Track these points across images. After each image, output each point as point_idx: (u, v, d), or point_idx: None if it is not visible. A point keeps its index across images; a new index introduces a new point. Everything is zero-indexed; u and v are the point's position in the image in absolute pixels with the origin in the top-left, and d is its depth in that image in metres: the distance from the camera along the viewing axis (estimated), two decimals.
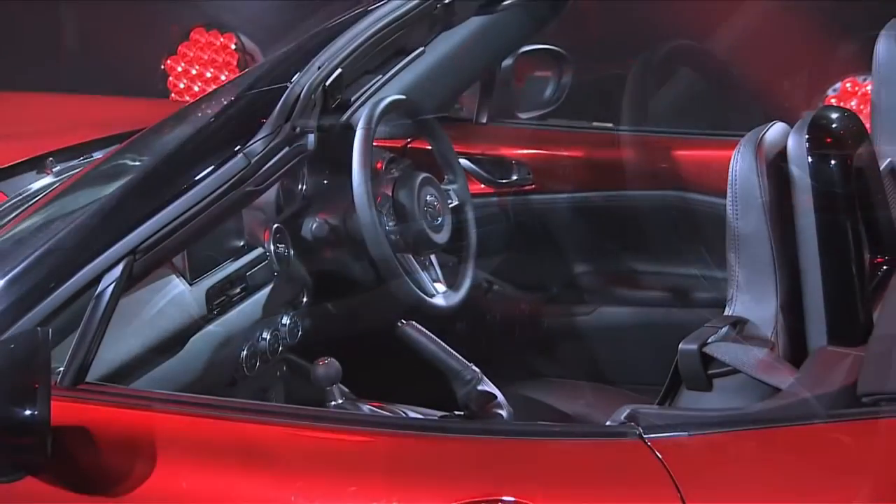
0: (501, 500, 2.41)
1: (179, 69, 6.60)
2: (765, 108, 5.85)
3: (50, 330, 2.58)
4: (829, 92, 5.78)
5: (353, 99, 3.01)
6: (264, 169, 2.84)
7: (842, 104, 5.76)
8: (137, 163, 3.12)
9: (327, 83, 2.91)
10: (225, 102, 3.04)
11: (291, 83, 2.89)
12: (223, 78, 6.52)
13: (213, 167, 2.80)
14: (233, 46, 6.54)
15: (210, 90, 6.47)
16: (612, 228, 4.11)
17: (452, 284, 3.57)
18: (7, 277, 2.79)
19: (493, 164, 4.05)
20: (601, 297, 4.11)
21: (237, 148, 2.83)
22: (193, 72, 6.56)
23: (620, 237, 4.11)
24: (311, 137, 2.89)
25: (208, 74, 6.54)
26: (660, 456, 2.41)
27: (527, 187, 4.08)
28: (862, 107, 5.78)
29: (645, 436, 2.44)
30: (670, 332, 3.95)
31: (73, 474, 2.56)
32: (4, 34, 6.84)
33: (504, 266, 4.02)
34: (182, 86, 6.57)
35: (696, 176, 4.00)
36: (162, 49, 6.71)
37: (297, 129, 2.87)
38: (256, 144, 2.83)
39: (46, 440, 2.47)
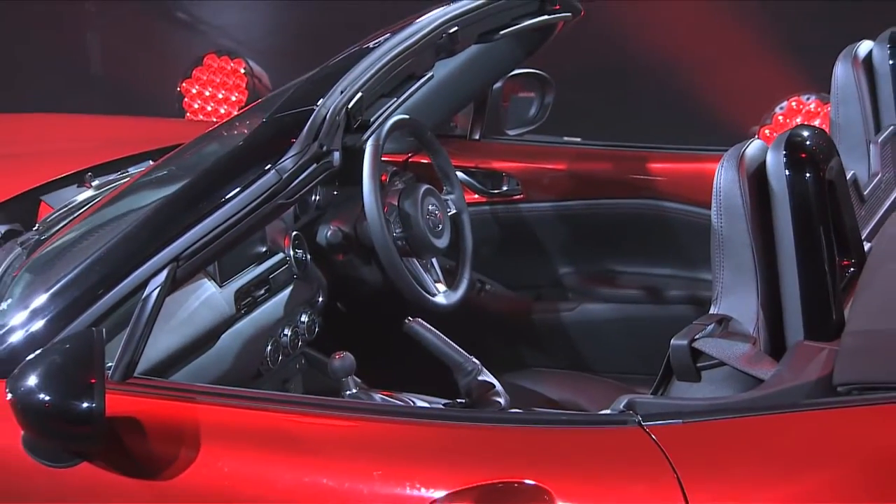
0: (524, 483, 2.39)
1: (194, 91, 6.57)
2: (722, 124, 5.84)
3: (104, 330, 2.57)
4: (777, 109, 5.77)
5: (372, 120, 2.98)
6: (294, 184, 2.80)
7: (788, 119, 5.75)
8: (177, 178, 3.06)
9: (349, 106, 2.87)
10: (256, 124, 2.99)
11: (317, 106, 2.86)
12: (233, 98, 6.50)
13: (247, 182, 2.77)
14: (242, 70, 6.51)
15: (222, 110, 6.51)
16: (592, 233, 4.09)
17: (451, 285, 3.55)
18: (61, 283, 2.77)
19: (486, 177, 4.03)
20: (583, 295, 4.09)
21: (269, 165, 2.79)
22: (207, 93, 6.54)
23: (600, 241, 4.10)
24: (337, 155, 2.86)
25: (220, 96, 6.51)
26: (658, 442, 2.39)
27: (516, 197, 4.06)
28: (806, 120, 5.77)
29: (643, 423, 2.43)
30: (646, 326, 3.98)
31: (124, 460, 2.54)
32: (40, 62, 6.78)
33: (496, 268, 3.99)
34: (196, 106, 6.54)
35: (668, 185, 3.99)
36: (178, 73, 6.65)
37: (324, 148, 2.84)
38: (287, 162, 2.80)
39: (102, 430, 2.45)
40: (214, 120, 6.36)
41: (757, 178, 2.72)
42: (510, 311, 4.01)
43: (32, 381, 2.43)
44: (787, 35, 6.02)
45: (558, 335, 4.02)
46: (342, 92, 2.90)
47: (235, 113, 6.36)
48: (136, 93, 6.91)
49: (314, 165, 2.83)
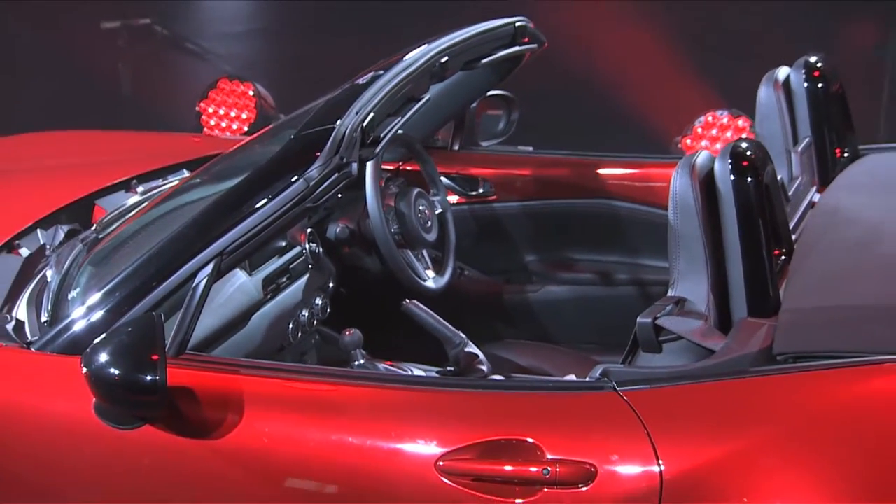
0: (519, 440, 2.38)
1: (210, 110, 6.51)
2: (652, 135, 5.84)
3: (162, 314, 2.56)
4: (696, 123, 5.77)
5: (381, 135, 2.96)
6: (319, 190, 2.79)
7: (705, 131, 5.75)
8: (217, 185, 3.05)
9: (364, 124, 2.87)
10: (285, 139, 2.98)
11: (337, 125, 2.85)
12: (244, 117, 6.45)
13: (280, 189, 2.76)
14: (251, 93, 6.46)
15: (234, 126, 6.46)
16: (553, 227, 4.08)
17: (439, 271, 3.56)
18: (123, 274, 2.74)
19: (465, 181, 4.02)
20: (546, 279, 4.07)
21: (298, 175, 2.78)
22: (221, 112, 6.48)
23: (560, 234, 4.08)
24: (355, 166, 2.86)
25: (232, 114, 6.46)
26: (630, 403, 2.39)
27: (490, 198, 4.05)
28: (719, 133, 5.77)
29: (618, 388, 2.43)
30: (598, 304, 3.98)
31: (180, 423, 2.52)
32: (79, 87, 6.72)
33: (474, 257, 3.97)
34: (213, 123, 6.49)
35: (617, 188, 3.99)
36: (195, 95, 6.61)
37: (344, 160, 2.83)
38: (313, 172, 2.79)
39: (164, 399, 2.44)
40: (228, 135, 6.34)
41: (706, 183, 2.72)
42: (486, 292, 4.00)
43: (104, 357, 2.41)
44: (702, 62, 6.03)
45: (526, 312, 4.01)
46: (357, 112, 2.88)
47: (246, 129, 6.40)
48: (159, 112, 6.86)
49: (336, 175, 2.83)
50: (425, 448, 2.43)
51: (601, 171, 3.96)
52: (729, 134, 5.71)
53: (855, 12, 6.31)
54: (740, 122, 5.70)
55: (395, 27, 5.66)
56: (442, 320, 2.98)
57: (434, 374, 2.96)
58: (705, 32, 6.29)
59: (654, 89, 6.30)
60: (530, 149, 4.24)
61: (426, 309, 3.00)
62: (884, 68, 6.72)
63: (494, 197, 4.03)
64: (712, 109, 5.81)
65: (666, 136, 5.91)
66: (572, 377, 2.98)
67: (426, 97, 3.15)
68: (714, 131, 5.74)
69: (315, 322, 3.38)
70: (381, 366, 2.96)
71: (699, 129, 5.77)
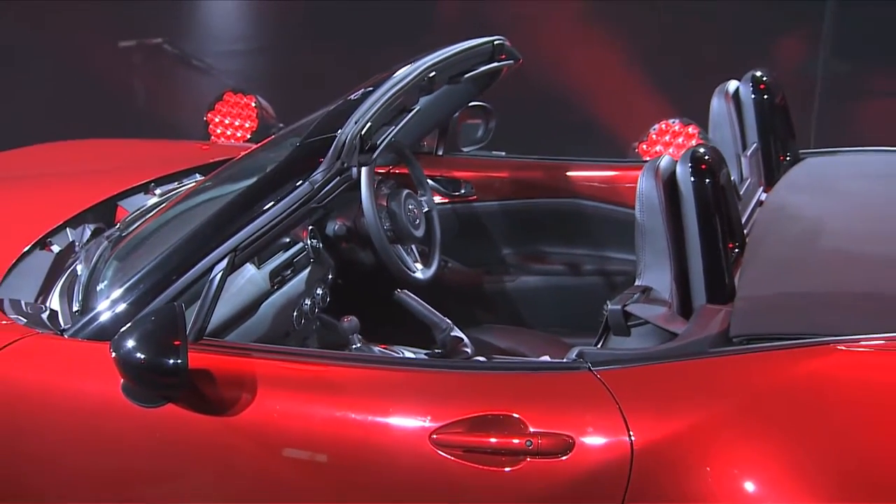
0: (504, 415, 2.37)
1: (217, 120, 6.48)
2: (612, 141, 5.83)
3: (183, 304, 2.55)
4: (651, 130, 5.77)
5: (378, 142, 2.95)
6: (322, 192, 2.78)
7: (659, 138, 5.75)
8: (230, 187, 3.04)
9: (362, 132, 2.86)
10: (291, 147, 2.96)
11: (338, 134, 2.84)
12: (247, 126, 6.43)
13: (288, 191, 2.75)
14: (253, 104, 6.43)
15: (238, 134, 6.43)
16: (527, 224, 4.06)
17: (426, 264, 3.54)
18: (147, 269, 2.72)
19: (449, 183, 4.00)
20: (520, 270, 4.06)
21: (304, 178, 2.77)
22: (227, 122, 6.45)
23: (533, 230, 4.06)
24: (355, 170, 2.86)
25: (237, 123, 6.43)
26: (603, 382, 2.40)
27: (471, 198, 4.03)
28: (672, 139, 5.77)
29: (592, 368, 2.44)
30: (566, 292, 3.98)
31: (200, 402, 2.51)
32: (97, 100, 6.68)
33: (457, 251, 3.96)
34: (219, 131, 6.45)
35: (583, 188, 3.97)
36: (203, 106, 6.58)
37: (345, 165, 2.82)
38: (317, 176, 2.77)
39: (185, 380, 2.43)
40: (233, 142, 6.32)
41: (669, 184, 2.72)
42: (468, 282, 3.98)
43: (131, 343, 2.40)
44: (654, 75, 6.02)
45: (503, 300, 4.01)
46: (356, 122, 2.87)
47: (249, 137, 6.38)
48: (170, 122, 6.83)
49: (337, 178, 2.82)
50: (420, 423, 2.42)
51: (570, 173, 3.95)
52: (681, 140, 5.71)
53: (785, 34, 6.33)
54: (690, 129, 5.70)
55: (383, 45, 5.63)
56: (430, 307, 2.96)
57: (424, 357, 2.95)
58: (655, 53, 6.28)
59: (615, 98, 6.28)
60: (503, 153, 4.23)
61: (416, 297, 2.98)
62: (814, 83, 6.74)
63: (475, 197, 4.01)
64: (666, 118, 5.80)
65: (625, 141, 5.89)
66: (546, 357, 2.96)
67: (416, 108, 3.15)
68: (667, 137, 5.74)
69: (316, 310, 3.36)
70: (376, 349, 2.96)
71: (654, 136, 5.77)
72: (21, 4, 6.82)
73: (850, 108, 6.56)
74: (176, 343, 2.40)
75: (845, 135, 5.97)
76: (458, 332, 2.96)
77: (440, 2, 6.90)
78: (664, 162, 2.75)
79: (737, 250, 2.80)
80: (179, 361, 2.39)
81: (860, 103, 6.59)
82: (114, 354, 2.41)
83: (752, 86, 3.53)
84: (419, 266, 3.48)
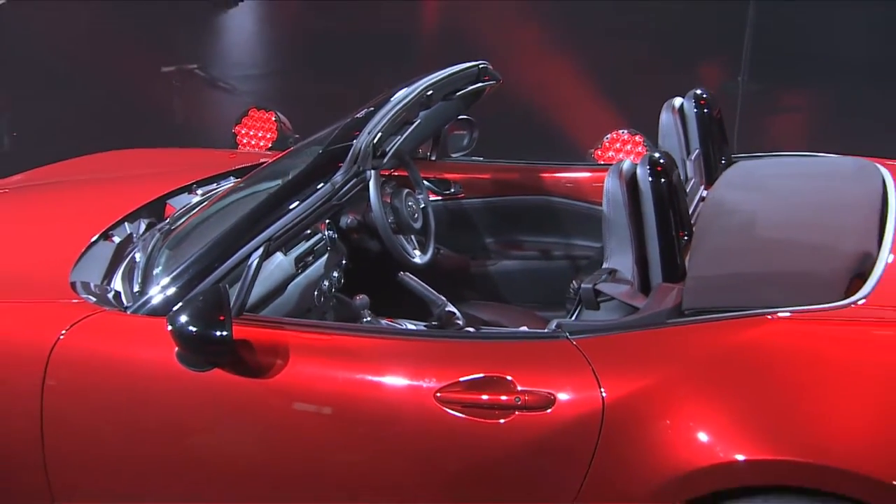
0: (497, 376, 2.36)
1: (243, 132, 6.43)
2: (570, 147, 5.80)
3: (227, 285, 2.52)
4: (604, 138, 5.75)
5: (387, 150, 2.93)
6: (342, 191, 2.76)
7: (611, 145, 5.73)
8: (263, 187, 3.00)
9: (374, 141, 2.84)
10: (315, 153, 2.93)
11: (354, 142, 2.82)
12: (268, 136, 6.38)
13: (313, 191, 2.73)
14: (273, 119, 6.38)
15: (262, 143, 6.38)
16: (506, 217, 4.01)
17: (423, 251, 3.48)
18: (195, 256, 2.69)
19: (440, 183, 3.96)
20: (501, 256, 4.01)
21: (326, 180, 2.75)
22: (251, 133, 6.40)
23: (511, 222, 4.01)
24: (369, 173, 2.82)
25: (259, 135, 6.38)
26: (579, 348, 2.39)
27: (459, 196, 3.98)
28: (622, 147, 5.74)
29: (570, 337, 2.42)
30: (539, 274, 3.95)
31: (242, 366, 2.49)
32: (144, 114, 6.61)
33: (447, 240, 3.91)
34: (245, 141, 6.40)
35: (554, 187, 3.93)
36: (231, 121, 6.53)
37: (361, 169, 2.81)
38: (338, 177, 2.75)
39: (230, 348, 2.42)
40: (256, 150, 6.27)
41: (631, 184, 2.71)
42: (457, 266, 3.95)
43: (184, 318, 2.38)
44: (609, 91, 6.00)
45: (486, 280, 3.97)
46: (369, 133, 2.85)
47: (269, 146, 6.32)
48: (204, 134, 6.78)
49: (354, 179, 2.80)
50: (426, 383, 2.41)
51: (542, 175, 3.93)
52: (629, 147, 5.69)
53: (709, 62, 6.32)
54: (637, 138, 5.68)
55: (381, 71, 5.59)
56: (427, 287, 2.95)
57: (423, 328, 2.92)
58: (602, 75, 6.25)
59: (573, 111, 6.24)
60: (481, 158, 4.19)
61: (415, 279, 2.96)
62: (735, 100, 6.73)
63: (462, 195, 3.97)
64: (616, 128, 5.78)
65: (582, 148, 5.85)
66: (525, 328, 2.97)
67: (418, 121, 3.12)
68: (618, 144, 5.72)
69: (333, 290, 3.32)
70: (384, 322, 2.93)
71: (606, 143, 5.74)
72: (78, 37, 6.76)
73: (763, 120, 6.56)
74: (221, 318, 2.38)
75: (760, 142, 5.97)
76: (451, 308, 2.94)
77: (421, 35, 6.86)
78: (626, 165, 2.74)
79: (686, 238, 2.79)
80: (225, 333, 2.37)
81: (771, 116, 6.60)
82: (170, 328, 2.39)
83: (694, 101, 3.51)
84: (417, 253, 3.44)
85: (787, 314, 2.33)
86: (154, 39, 6.84)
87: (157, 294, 2.65)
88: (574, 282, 3.17)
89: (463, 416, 2.36)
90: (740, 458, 2.20)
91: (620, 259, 2.69)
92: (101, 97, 6.58)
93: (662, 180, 2.68)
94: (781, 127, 6.60)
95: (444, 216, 3.94)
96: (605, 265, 2.73)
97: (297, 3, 7.01)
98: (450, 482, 2.41)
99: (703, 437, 2.23)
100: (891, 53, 5.66)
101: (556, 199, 3.90)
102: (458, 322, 2.94)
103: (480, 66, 3.53)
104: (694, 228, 2.86)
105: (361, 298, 2.98)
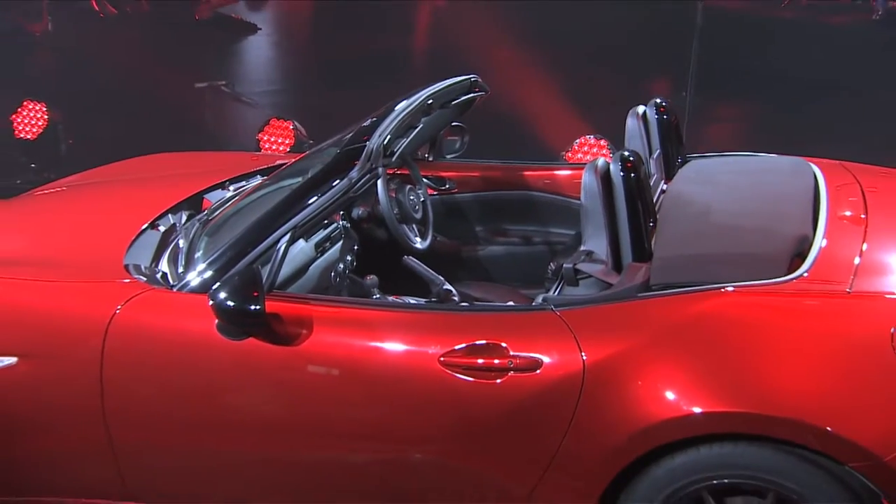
0: (493, 343, 2.32)
1: (265, 138, 6.39)
2: (546, 150, 5.75)
3: (259, 266, 2.49)
4: (574, 142, 5.72)
5: (395, 150, 2.88)
6: (357, 185, 2.71)
7: (580, 149, 5.71)
8: (288, 182, 2.95)
9: (384, 143, 2.79)
10: (333, 153, 2.88)
11: (367, 143, 2.78)
12: (287, 142, 6.34)
13: (332, 185, 2.68)
14: (291, 127, 6.34)
15: (281, 148, 6.32)
16: (492, 209, 3.96)
17: (423, 238, 3.43)
18: (231, 241, 2.64)
19: (437, 180, 3.91)
20: (488, 242, 3.96)
21: (344, 175, 2.70)
22: (272, 139, 6.35)
23: (498, 213, 3.95)
24: (380, 170, 2.77)
25: (279, 141, 6.34)
26: (563, 319, 2.36)
27: (453, 191, 3.93)
28: (589, 150, 5.72)
29: (555, 309, 2.38)
30: (521, 257, 3.91)
31: (273, 335, 2.45)
32: (181, 125, 6.54)
33: (443, 228, 3.86)
34: (267, 146, 6.36)
35: (534, 183, 3.88)
36: (255, 129, 6.48)
37: (373, 166, 2.76)
38: (353, 173, 2.70)
39: (263, 320, 2.38)
40: (278, 153, 6.22)
41: (605, 178, 2.68)
42: (451, 251, 3.91)
43: (223, 294, 2.35)
44: (579, 99, 5.92)
45: (476, 263, 3.93)
46: (380, 135, 2.80)
47: (288, 150, 6.27)
48: (232, 141, 6.71)
49: (367, 175, 2.75)
50: (430, 349, 2.38)
51: (523, 173, 3.89)
52: (595, 150, 5.68)
53: (658, 78, 6.26)
54: (602, 142, 5.66)
55: (381, 88, 5.53)
56: (427, 268, 2.90)
57: (424, 303, 2.90)
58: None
59: (548, 118, 6.13)
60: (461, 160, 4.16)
61: (417, 261, 2.92)
62: (683, 112, 6.70)
63: (456, 190, 3.92)
64: (584, 133, 5.74)
65: (556, 151, 5.81)
66: (511, 303, 2.93)
67: (420, 125, 3.08)
68: (585, 148, 5.71)
69: (347, 271, 3.29)
70: (391, 298, 2.89)
71: (576, 146, 5.72)
72: (124, 58, 6.69)
73: (707, 129, 6.53)
74: (255, 294, 2.35)
75: (705, 147, 5.93)
76: (448, 286, 2.90)
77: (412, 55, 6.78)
78: (601, 162, 2.71)
79: (652, 224, 2.76)
80: (259, 307, 2.34)
81: (713, 126, 6.58)
82: (211, 303, 2.35)
83: (655, 109, 3.49)
84: (418, 239, 3.38)
85: (739, 288, 2.31)
86: (189, 60, 6.76)
87: (198, 275, 2.61)
88: (551, 263, 3.14)
89: (464, 377, 2.33)
90: (699, 410, 2.19)
91: (596, 242, 2.66)
92: (143, 109, 6.50)
93: (632, 175, 2.65)
94: (721, 135, 6.58)
95: (441, 208, 3.89)
96: (582, 248, 2.70)
97: (309, 31, 6.94)
98: (452, 433, 2.38)
99: (668, 393, 2.22)
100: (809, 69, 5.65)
101: (535, 194, 3.86)
102: (455, 298, 2.89)
103: (472, 79, 3.49)
104: (657, 216, 2.84)
105: (371, 278, 2.94)
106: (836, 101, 5.53)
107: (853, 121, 5.47)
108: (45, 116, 6.71)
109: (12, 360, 2.55)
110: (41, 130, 6.71)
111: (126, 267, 2.76)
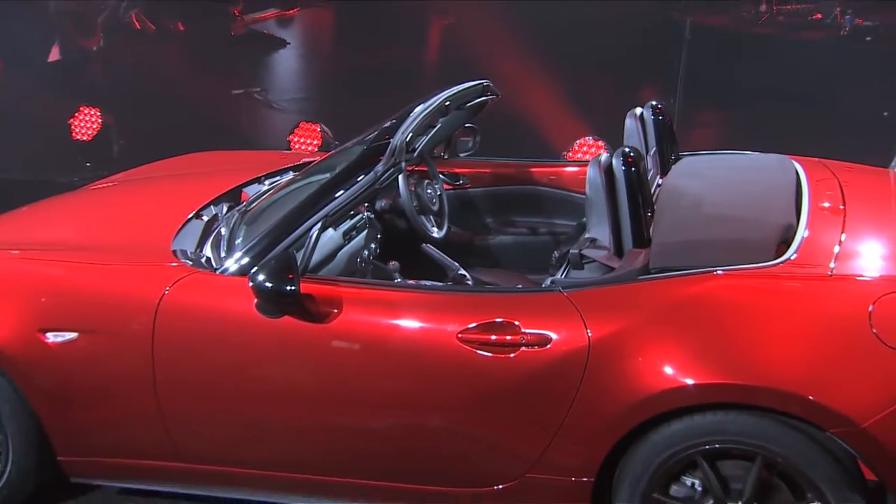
0: (507, 321, 2.30)
1: (295, 140, 6.36)
2: (549, 149, 5.70)
3: (294, 251, 2.46)
4: (574, 143, 5.68)
5: (416, 146, 2.85)
6: (382, 178, 2.69)
7: (580, 148, 5.66)
8: (317, 177, 2.92)
9: (406, 140, 2.77)
10: (359, 150, 2.85)
11: (391, 141, 2.75)
12: (315, 143, 6.31)
13: (358, 179, 2.66)
14: (318, 129, 6.31)
15: (310, 148, 6.29)
16: (502, 203, 3.92)
17: (439, 228, 3.39)
18: (269, 229, 2.62)
19: (452, 176, 3.87)
20: (498, 232, 3.92)
21: (369, 170, 2.68)
22: (302, 140, 6.33)
23: (506, 206, 3.91)
24: (403, 165, 2.75)
25: (308, 142, 6.31)
26: (570, 299, 2.33)
27: (466, 186, 3.90)
28: (587, 150, 5.67)
29: (563, 290, 2.36)
30: (528, 246, 3.87)
31: (306, 314, 2.43)
32: (220, 129, 6.53)
33: (457, 220, 3.83)
34: (297, 147, 6.34)
35: (539, 179, 3.84)
36: (286, 132, 6.45)
37: (397, 161, 2.74)
38: (378, 168, 2.68)
39: (297, 300, 2.36)
40: (307, 151, 6.19)
41: (608, 172, 2.64)
42: (465, 240, 3.88)
43: (262, 277, 2.33)
44: (580, 105, 5.87)
45: (487, 251, 3.89)
46: (402, 133, 2.78)
47: (316, 149, 6.24)
48: (266, 142, 6.68)
49: (391, 170, 2.73)
50: (450, 327, 2.36)
51: (530, 169, 3.85)
52: (594, 150, 5.63)
53: (650, 87, 6.19)
54: (600, 143, 5.62)
55: (403, 93, 5.49)
56: (444, 255, 2.88)
57: (442, 285, 2.87)
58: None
59: (552, 120, 6.06)
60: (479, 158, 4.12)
61: (435, 249, 2.89)
62: (673, 117, 6.62)
63: (469, 185, 3.89)
64: (584, 135, 5.69)
65: (558, 150, 5.76)
66: (520, 286, 2.90)
67: (438, 125, 3.05)
68: (585, 148, 5.66)
69: (371, 257, 3.26)
70: (410, 281, 2.87)
71: (577, 147, 5.68)
72: (169, 68, 6.68)
73: (694, 133, 6.48)
74: (291, 276, 2.33)
75: (693, 148, 5.88)
76: (462, 271, 2.87)
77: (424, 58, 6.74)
78: (604, 157, 2.67)
79: (650, 214, 2.73)
80: (294, 288, 2.32)
81: (700, 130, 6.52)
82: (251, 284, 2.34)
83: (652, 110, 3.45)
84: (435, 229, 3.35)
85: (730, 271, 2.28)
86: (225, 71, 6.75)
87: (238, 259, 2.59)
88: (556, 251, 3.11)
89: (480, 352, 2.31)
90: (693, 382, 2.17)
91: (600, 230, 2.63)
92: (186, 113, 6.50)
93: (633, 169, 2.62)
94: (707, 139, 6.52)
95: (455, 202, 3.86)
96: (586, 235, 2.66)
97: (333, 44, 6.91)
98: (469, 403, 2.36)
99: (665, 366, 2.19)
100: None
101: (540, 189, 3.83)
102: (468, 282, 2.87)
103: (484, 84, 3.45)
104: (655, 207, 2.81)
105: (393, 264, 2.91)
106: (805, 108, 5.49)
107: (813, 128, 5.42)
108: (99, 120, 6.72)
109: (74, 335, 2.55)
110: (95, 133, 6.73)
111: (174, 252, 2.74)
